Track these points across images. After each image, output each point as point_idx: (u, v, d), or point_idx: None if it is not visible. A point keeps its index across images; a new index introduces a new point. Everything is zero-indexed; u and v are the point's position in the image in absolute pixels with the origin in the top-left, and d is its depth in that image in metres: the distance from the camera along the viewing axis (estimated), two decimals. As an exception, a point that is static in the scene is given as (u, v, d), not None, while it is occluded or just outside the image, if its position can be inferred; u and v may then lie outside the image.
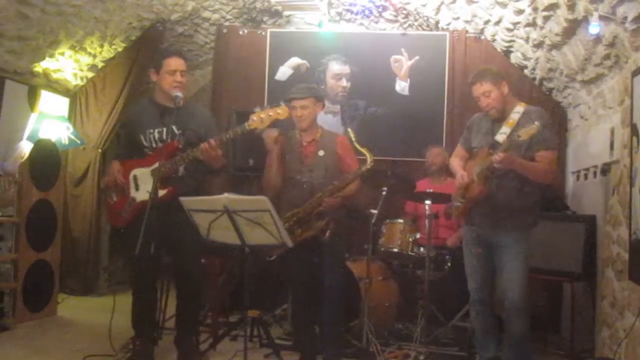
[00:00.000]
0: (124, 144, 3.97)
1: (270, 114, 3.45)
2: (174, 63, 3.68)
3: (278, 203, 3.70)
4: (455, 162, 3.81)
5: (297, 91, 3.85)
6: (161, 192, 3.50)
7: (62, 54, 5.40)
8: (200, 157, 3.54)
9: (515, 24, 4.81)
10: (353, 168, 3.80)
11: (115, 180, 3.68)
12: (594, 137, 4.51)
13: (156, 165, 3.49)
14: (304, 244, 3.70)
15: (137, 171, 3.65)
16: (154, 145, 3.68)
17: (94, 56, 5.77)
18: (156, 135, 3.68)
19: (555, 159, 3.58)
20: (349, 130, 3.86)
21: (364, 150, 3.75)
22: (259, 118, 3.45)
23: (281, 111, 3.48)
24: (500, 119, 3.52)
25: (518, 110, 3.50)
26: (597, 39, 3.79)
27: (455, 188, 3.76)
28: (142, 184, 3.61)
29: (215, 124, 3.94)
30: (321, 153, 3.84)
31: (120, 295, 4.07)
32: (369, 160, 3.72)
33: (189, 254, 3.70)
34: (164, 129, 3.64)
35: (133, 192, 3.65)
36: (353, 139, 3.79)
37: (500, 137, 3.46)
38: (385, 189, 4.46)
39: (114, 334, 3.57)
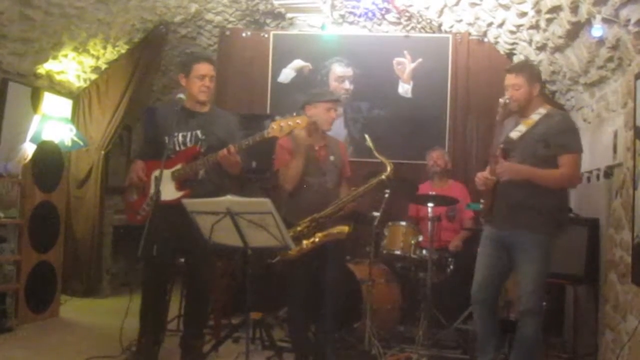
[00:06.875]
0: (148, 144, 3.98)
1: (290, 123, 3.45)
2: (203, 68, 3.72)
3: (293, 204, 3.78)
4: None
5: (333, 94, 4.04)
6: (178, 194, 3.56)
7: (65, 55, 5.41)
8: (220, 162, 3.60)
9: (518, 26, 4.80)
10: (349, 174, 4.00)
11: (138, 178, 3.72)
12: (597, 140, 4.50)
13: (178, 167, 3.58)
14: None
15: (158, 172, 3.67)
16: (177, 148, 3.71)
17: (97, 58, 5.78)
18: (180, 138, 3.72)
19: (576, 162, 3.42)
20: (367, 137, 3.86)
21: (382, 158, 3.79)
22: (279, 126, 3.46)
23: (300, 121, 3.47)
24: (521, 117, 3.48)
25: (540, 111, 3.44)
26: (600, 42, 3.78)
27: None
28: (162, 185, 3.63)
29: (239, 130, 3.91)
30: (332, 158, 3.91)
31: (125, 297, 4.06)
32: (389, 168, 3.76)
33: (202, 256, 3.72)
34: (189, 133, 3.71)
35: (152, 192, 3.67)
36: (372, 146, 3.81)
37: (515, 134, 3.42)
38: (387, 191, 4.46)
39: (116, 335, 3.59)
